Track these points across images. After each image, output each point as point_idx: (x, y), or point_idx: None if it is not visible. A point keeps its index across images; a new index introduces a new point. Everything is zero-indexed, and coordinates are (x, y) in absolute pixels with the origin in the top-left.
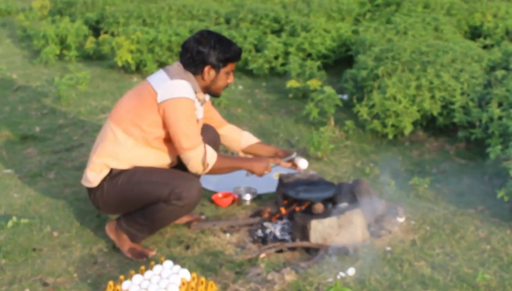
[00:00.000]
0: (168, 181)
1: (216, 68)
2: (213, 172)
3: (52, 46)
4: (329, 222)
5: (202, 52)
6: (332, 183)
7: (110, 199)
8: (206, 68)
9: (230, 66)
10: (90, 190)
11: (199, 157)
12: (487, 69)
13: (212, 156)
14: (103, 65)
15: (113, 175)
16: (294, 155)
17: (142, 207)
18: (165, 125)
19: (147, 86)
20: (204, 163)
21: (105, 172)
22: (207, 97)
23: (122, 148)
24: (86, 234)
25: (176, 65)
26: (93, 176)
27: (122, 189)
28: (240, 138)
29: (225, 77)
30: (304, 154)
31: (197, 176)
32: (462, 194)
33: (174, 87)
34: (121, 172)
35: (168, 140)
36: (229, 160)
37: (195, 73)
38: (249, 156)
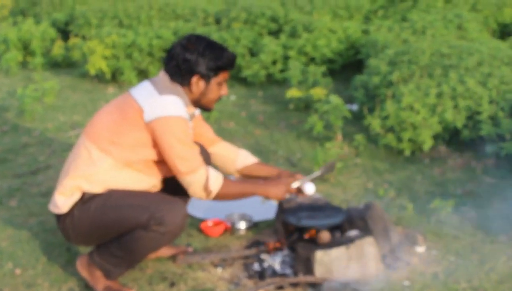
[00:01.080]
0: (147, 204)
1: (206, 78)
2: (219, 198)
3: (13, 52)
4: (337, 253)
5: (189, 60)
6: (340, 208)
7: (82, 228)
8: (194, 79)
9: (222, 76)
10: (59, 218)
11: (200, 182)
12: None
13: (216, 181)
14: (73, 73)
15: (85, 199)
16: (321, 171)
17: (118, 236)
18: (149, 145)
19: (130, 100)
20: (206, 189)
21: (76, 196)
22: (197, 111)
23: (97, 169)
24: (54, 271)
25: (162, 76)
26: (63, 201)
27: (95, 215)
28: (235, 157)
29: (217, 89)
30: (332, 170)
31: (184, 200)
32: (491, 219)
33: (163, 105)
34: (95, 196)
35: (152, 161)
36: (238, 184)
37: (182, 84)
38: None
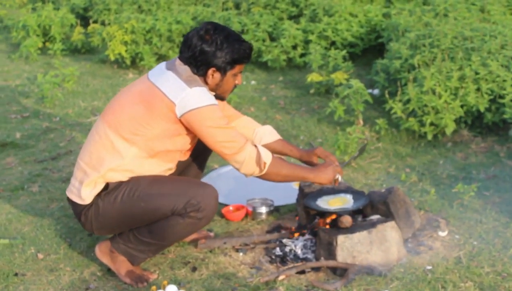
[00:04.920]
0: (182, 191)
1: (222, 71)
2: (271, 175)
3: (33, 39)
4: (359, 237)
5: (207, 53)
6: (362, 192)
7: (109, 219)
8: (210, 71)
9: (238, 68)
10: (80, 210)
11: (252, 157)
12: None
13: (267, 154)
14: (93, 59)
15: (110, 189)
16: (357, 154)
17: (150, 223)
18: (175, 136)
19: (157, 93)
20: (259, 163)
21: (100, 186)
22: None
23: (123, 160)
24: (76, 255)
25: (182, 65)
26: (87, 192)
27: (124, 206)
28: (251, 135)
29: (232, 80)
30: (364, 151)
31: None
32: None
33: (195, 97)
34: (119, 186)
35: (172, 149)
36: (289, 165)
37: (197, 75)
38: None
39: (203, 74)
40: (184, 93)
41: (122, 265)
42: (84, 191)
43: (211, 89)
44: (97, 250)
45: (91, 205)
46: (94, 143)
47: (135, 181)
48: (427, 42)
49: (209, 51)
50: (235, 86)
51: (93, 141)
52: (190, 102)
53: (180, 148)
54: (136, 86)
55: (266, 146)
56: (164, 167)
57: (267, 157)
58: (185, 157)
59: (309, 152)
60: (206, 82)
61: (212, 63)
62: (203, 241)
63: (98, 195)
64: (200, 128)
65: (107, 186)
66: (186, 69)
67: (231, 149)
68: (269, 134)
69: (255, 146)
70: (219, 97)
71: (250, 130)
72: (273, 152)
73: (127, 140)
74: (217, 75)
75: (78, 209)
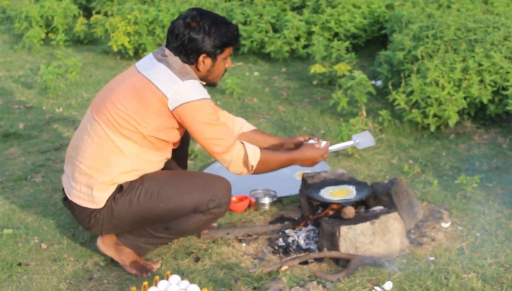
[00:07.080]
0: (200, 188)
1: (212, 56)
2: (259, 171)
3: (36, 29)
4: (362, 228)
5: (195, 40)
6: (365, 183)
7: (124, 221)
8: (201, 58)
9: (227, 51)
10: (89, 214)
11: (239, 157)
12: None
13: (254, 155)
14: (96, 50)
15: (124, 191)
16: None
17: (167, 220)
18: (171, 128)
19: (150, 87)
20: (247, 163)
21: (112, 189)
22: None
23: (128, 159)
24: (79, 245)
25: (171, 56)
26: (100, 197)
27: (141, 208)
28: (231, 123)
29: (223, 64)
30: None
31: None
32: None
33: (188, 90)
34: (132, 187)
35: (169, 141)
36: (275, 154)
37: (188, 63)
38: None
39: (194, 62)
40: (176, 86)
41: (128, 257)
42: (97, 196)
43: (203, 76)
44: (100, 243)
45: (102, 208)
46: (96, 146)
47: (148, 180)
48: (430, 33)
49: (198, 38)
50: (225, 70)
51: (92, 143)
52: (182, 96)
53: (175, 139)
54: (126, 81)
55: (245, 135)
56: (163, 157)
57: (254, 158)
58: (176, 146)
59: (290, 139)
60: (197, 69)
61: (202, 49)
62: (206, 232)
63: (111, 197)
64: (190, 122)
65: (119, 187)
66: (176, 61)
67: (220, 147)
68: (246, 124)
69: (243, 144)
70: (211, 83)
71: (230, 120)
72: (253, 140)
73: (128, 138)
74: (208, 61)
75: (85, 213)
